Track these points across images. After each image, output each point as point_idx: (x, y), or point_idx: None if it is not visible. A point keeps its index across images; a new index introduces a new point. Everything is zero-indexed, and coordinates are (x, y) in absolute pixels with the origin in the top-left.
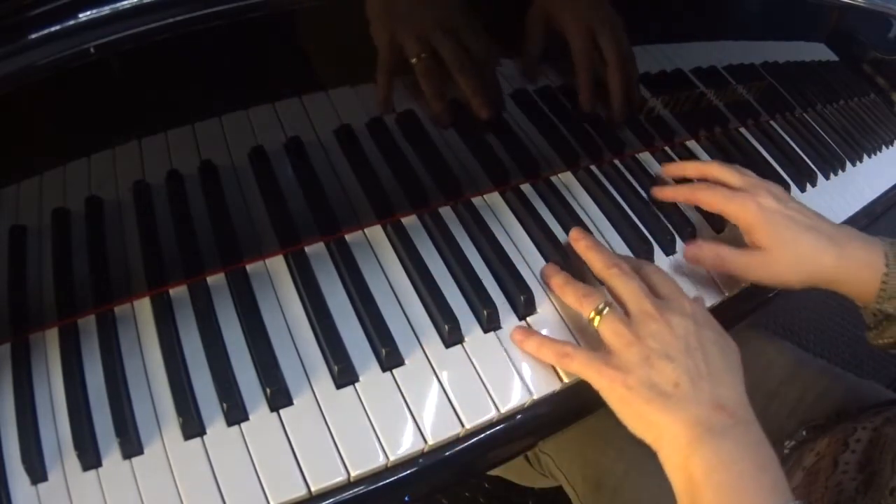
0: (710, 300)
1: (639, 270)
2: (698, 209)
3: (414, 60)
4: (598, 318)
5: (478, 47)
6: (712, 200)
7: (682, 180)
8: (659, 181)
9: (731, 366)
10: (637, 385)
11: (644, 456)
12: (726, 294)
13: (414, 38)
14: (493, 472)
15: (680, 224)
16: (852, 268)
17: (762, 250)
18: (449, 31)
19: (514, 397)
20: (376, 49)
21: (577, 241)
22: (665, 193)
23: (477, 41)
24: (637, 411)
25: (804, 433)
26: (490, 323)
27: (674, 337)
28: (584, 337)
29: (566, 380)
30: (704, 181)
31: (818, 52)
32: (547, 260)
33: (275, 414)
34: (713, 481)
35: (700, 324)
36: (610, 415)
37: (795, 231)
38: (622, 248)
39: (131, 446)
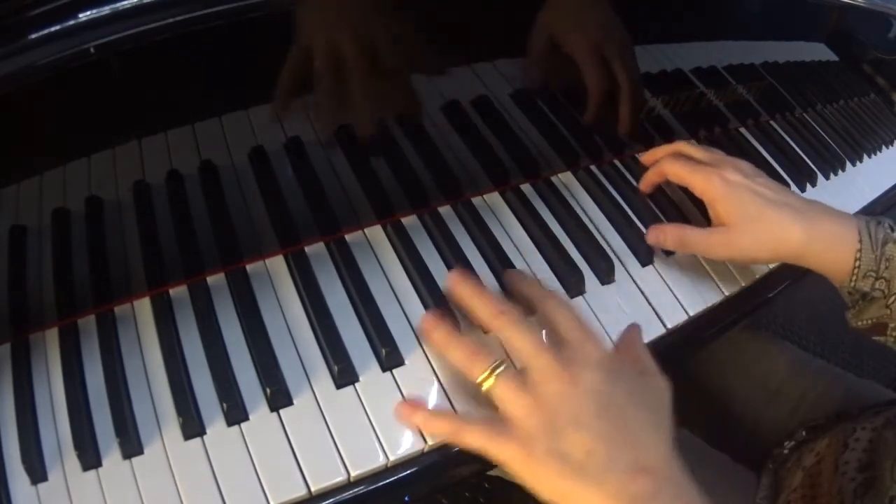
0: (711, 300)
1: (541, 306)
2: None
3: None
4: (489, 380)
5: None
6: (679, 171)
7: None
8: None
9: (654, 417)
10: (544, 457)
11: None
12: (726, 294)
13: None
14: (493, 473)
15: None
16: (823, 243)
17: (726, 227)
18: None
19: None
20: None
21: (456, 287)
22: (644, 180)
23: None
24: (550, 486)
25: (804, 433)
26: None
27: (581, 396)
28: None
29: None
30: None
31: (818, 52)
32: (547, 259)
33: (275, 414)
34: None
35: (613, 372)
36: None
37: (760, 204)
38: (622, 248)
39: (131, 446)
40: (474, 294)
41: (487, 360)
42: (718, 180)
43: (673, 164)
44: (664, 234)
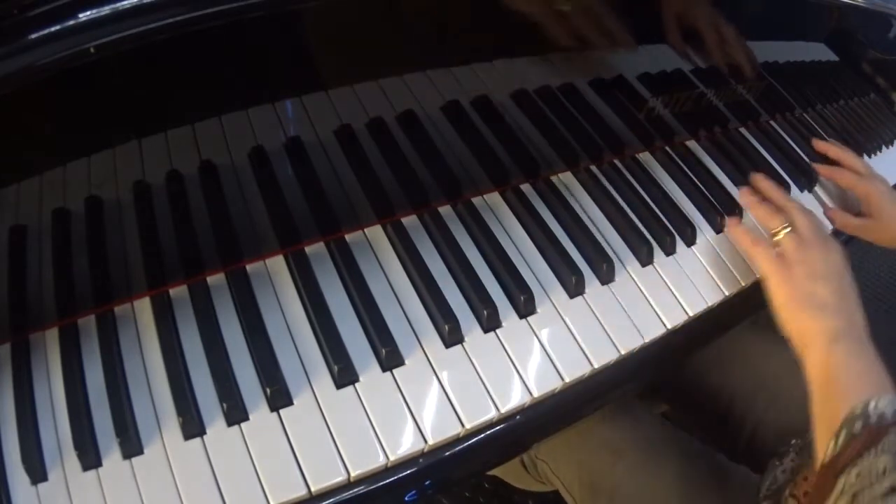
0: (711, 300)
1: (788, 207)
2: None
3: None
4: (781, 233)
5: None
6: (849, 181)
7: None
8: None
9: (858, 298)
10: (801, 295)
11: (641, 459)
12: (726, 294)
13: None
14: (493, 473)
15: (680, 224)
16: None
17: (873, 218)
18: None
19: (515, 397)
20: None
21: (761, 182)
22: (824, 150)
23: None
24: (795, 316)
25: (795, 443)
26: (490, 323)
27: (830, 265)
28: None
29: (567, 379)
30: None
31: (818, 52)
32: (547, 259)
33: (275, 414)
34: (846, 367)
35: (845, 262)
36: (606, 419)
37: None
38: (622, 248)
39: (131, 446)
40: (772, 187)
41: (782, 220)
42: (873, 189)
43: (843, 174)
44: (837, 217)
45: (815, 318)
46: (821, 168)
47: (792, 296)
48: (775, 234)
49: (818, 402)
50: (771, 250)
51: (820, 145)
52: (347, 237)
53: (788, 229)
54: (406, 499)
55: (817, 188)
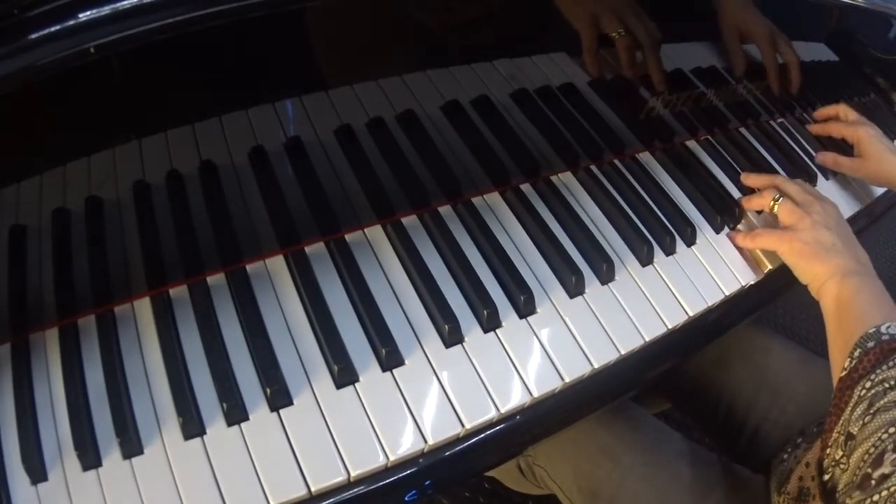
0: (711, 299)
1: (779, 181)
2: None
3: (615, 35)
4: (776, 205)
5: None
6: (842, 129)
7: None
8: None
9: (857, 242)
10: (809, 241)
11: (640, 462)
12: (726, 293)
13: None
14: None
15: (680, 224)
16: None
17: (863, 158)
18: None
19: (515, 397)
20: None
21: (750, 177)
22: (818, 125)
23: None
24: (807, 261)
25: (814, 429)
26: (490, 323)
27: (829, 215)
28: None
29: (567, 379)
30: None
31: (818, 52)
32: (547, 259)
33: (275, 414)
34: (857, 297)
35: (839, 213)
36: (604, 422)
37: (885, 150)
38: (622, 248)
39: (131, 446)
40: (756, 176)
41: (772, 194)
42: (864, 132)
43: (836, 125)
44: (826, 157)
45: (826, 260)
46: (814, 127)
47: (802, 250)
48: (772, 209)
49: (833, 330)
50: (773, 231)
51: (814, 128)
52: (347, 237)
53: (780, 199)
54: (406, 499)
55: (818, 188)
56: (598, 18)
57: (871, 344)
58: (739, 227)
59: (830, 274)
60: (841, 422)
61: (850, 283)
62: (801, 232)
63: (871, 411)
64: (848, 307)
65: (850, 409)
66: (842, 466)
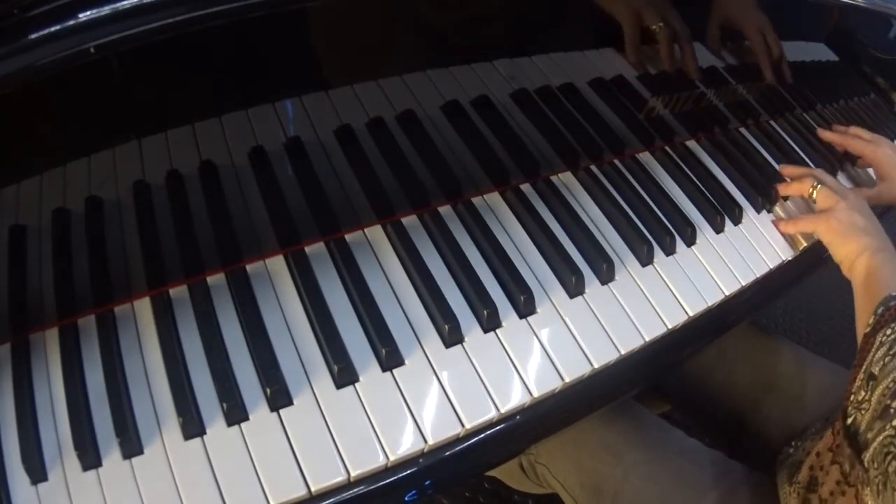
0: (711, 299)
1: (817, 173)
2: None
3: (655, 28)
4: (815, 191)
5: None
6: (859, 146)
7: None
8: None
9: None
10: (845, 220)
11: (643, 459)
12: (726, 293)
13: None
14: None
15: (680, 224)
16: None
17: (886, 182)
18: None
19: (515, 397)
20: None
21: (788, 167)
22: (827, 136)
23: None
24: (843, 238)
25: (814, 428)
26: (490, 323)
27: (860, 204)
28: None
29: (567, 379)
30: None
31: (818, 52)
32: (547, 259)
33: (275, 414)
34: (883, 268)
35: (865, 202)
36: (606, 421)
37: None
38: (622, 248)
39: (131, 446)
40: (794, 167)
41: (811, 182)
42: (881, 152)
43: (853, 140)
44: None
45: (858, 239)
46: (829, 135)
47: (838, 229)
48: (811, 195)
49: (861, 295)
50: (812, 214)
51: (826, 134)
52: (347, 237)
53: (819, 186)
54: (406, 499)
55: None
56: (640, 13)
57: (894, 303)
58: (778, 212)
59: (862, 250)
60: (864, 368)
61: (878, 258)
62: (839, 212)
63: (892, 352)
64: (875, 277)
65: (871, 354)
66: (864, 407)
